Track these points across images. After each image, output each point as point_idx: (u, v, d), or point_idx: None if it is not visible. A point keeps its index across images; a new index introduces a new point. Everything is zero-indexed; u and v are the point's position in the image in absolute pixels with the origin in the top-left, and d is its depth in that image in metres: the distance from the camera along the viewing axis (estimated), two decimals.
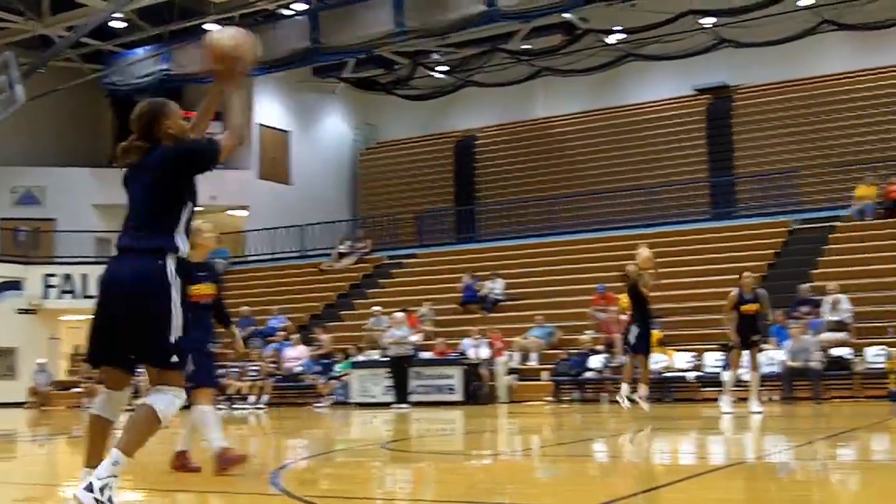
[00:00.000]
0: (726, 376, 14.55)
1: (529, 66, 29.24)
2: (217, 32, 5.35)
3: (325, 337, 23.74)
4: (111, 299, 4.77)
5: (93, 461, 4.74)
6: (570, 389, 20.47)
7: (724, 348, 15.52)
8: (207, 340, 7.49)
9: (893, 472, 7.63)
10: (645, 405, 14.32)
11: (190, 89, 31.59)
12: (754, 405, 14.10)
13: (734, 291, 14.17)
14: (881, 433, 11.05)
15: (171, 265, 4.76)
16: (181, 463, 7.37)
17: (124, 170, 5.04)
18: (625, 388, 14.80)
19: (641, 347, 14.68)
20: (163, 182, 4.88)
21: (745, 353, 14.22)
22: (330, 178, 33.91)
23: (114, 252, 4.89)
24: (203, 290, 7.26)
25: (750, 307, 14.05)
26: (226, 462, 7.04)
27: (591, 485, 7.16)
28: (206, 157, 4.95)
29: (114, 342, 4.77)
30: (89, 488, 4.47)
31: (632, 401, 14.52)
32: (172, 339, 4.69)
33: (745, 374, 14.85)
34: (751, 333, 14.12)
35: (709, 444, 10.85)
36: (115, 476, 4.53)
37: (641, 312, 14.84)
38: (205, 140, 5.12)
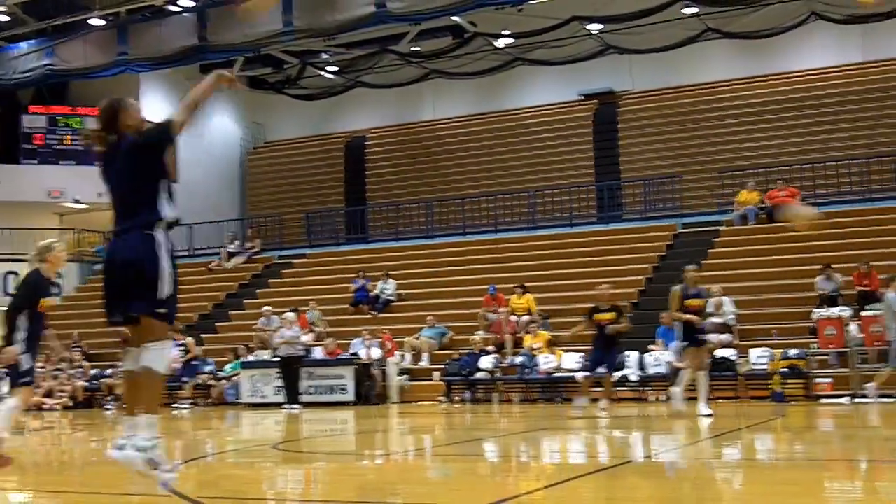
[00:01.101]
0: (682, 375, 14.06)
1: (419, 68, 29.29)
2: None
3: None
4: (113, 269, 5.72)
5: (132, 410, 5.50)
6: (462, 390, 20.56)
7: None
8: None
9: (775, 470, 7.86)
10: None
11: (75, 85, 30.81)
12: (703, 407, 13.41)
13: (677, 288, 13.80)
14: (764, 433, 11.38)
15: (158, 235, 5.71)
16: None
17: (100, 164, 5.92)
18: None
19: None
20: (134, 167, 5.76)
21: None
22: (218, 177, 33.38)
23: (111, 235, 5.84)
24: (50, 303, 8.35)
25: (694, 302, 13.70)
26: None
27: (481, 484, 7.19)
28: (163, 136, 5.84)
29: (118, 300, 5.71)
30: (141, 449, 5.24)
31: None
32: (164, 294, 5.57)
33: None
34: (697, 331, 13.75)
35: (597, 443, 11.02)
36: (156, 436, 5.33)
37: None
38: (158, 124, 5.94)
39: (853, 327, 17.67)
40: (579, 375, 15.81)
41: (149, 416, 5.33)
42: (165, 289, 5.57)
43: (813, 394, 17.40)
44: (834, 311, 17.95)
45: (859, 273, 19.37)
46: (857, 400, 16.39)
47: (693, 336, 13.68)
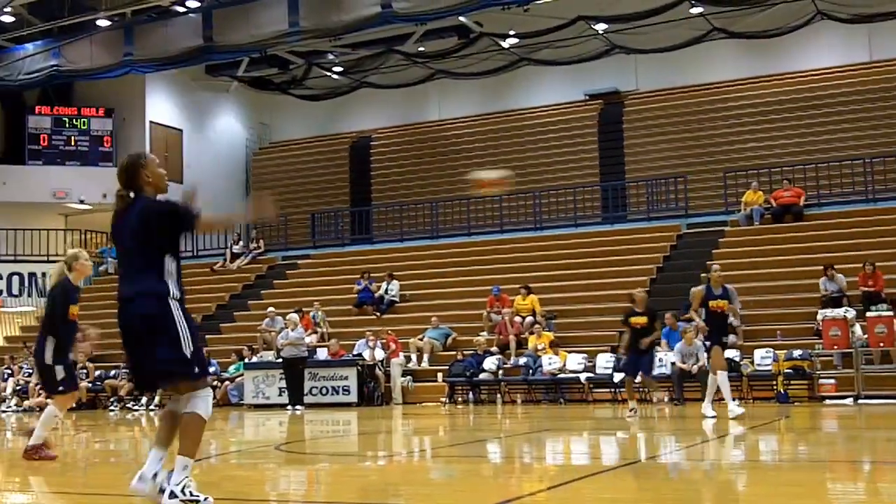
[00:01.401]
0: (712, 379, 13.70)
1: (424, 69, 29.30)
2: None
3: None
4: (131, 339, 5.44)
5: (160, 444, 5.57)
6: (465, 391, 20.56)
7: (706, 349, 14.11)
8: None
9: (779, 471, 7.85)
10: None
11: (80, 85, 30.86)
12: (733, 406, 13.36)
13: (700, 287, 13.67)
14: (768, 434, 11.36)
15: (173, 305, 5.42)
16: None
17: (113, 221, 5.64)
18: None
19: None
20: (142, 235, 5.46)
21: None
22: (223, 177, 33.39)
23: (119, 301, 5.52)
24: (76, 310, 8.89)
25: (720, 303, 13.42)
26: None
27: (484, 485, 7.19)
28: (183, 223, 5.55)
29: (150, 378, 5.75)
30: (172, 495, 5.27)
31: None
32: (188, 355, 5.36)
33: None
34: (721, 332, 13.58)
35: (601, 444, 11.01)
36: (188, 477, 5.33)
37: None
38: (185, 206, 5.57)
39: (858, 328, 17.65)
40: (618, 377, 15.62)
41: (185, 459, 5.36)
42: (187, 350, 5.37)
43: (817, 395, 17.37)
44: (839, 312, 17.91)
45: (864, 274, 19.34)
46: (861, 401, 16.38)
47: (717, 337, 13.49)
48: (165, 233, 5.49)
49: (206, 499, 5.39)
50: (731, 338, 13.86)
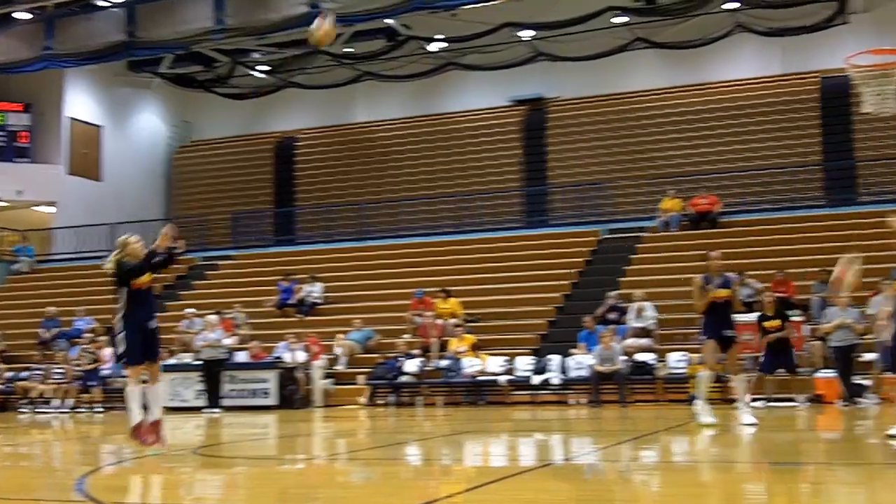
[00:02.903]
0: (703, 375, 12.27)
1: (351, 70, 29.24)
2: None
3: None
4: None
5: None
6: (386, 393, 20.57)
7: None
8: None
9: (692, 472, 8.04)
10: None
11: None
12: (745, 416, 11.82)
13: (699, 277, 12.07)
14: (682, 436, 11.59)
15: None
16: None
17: None
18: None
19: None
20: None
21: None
22: (143, 175, 32.94)
23: None
24: (146, 279, 9.63)
25: (721, 293, 11.86)
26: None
27: (404, 488, 7.24)
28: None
29: None
30: None
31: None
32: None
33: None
34: (723, 326, 11.96)
35: (520, 446, 11.14)
36: None
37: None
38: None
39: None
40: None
41: None
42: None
43: (729, 397, 17.74)
44: (751, 317, 18.32)
45: (776, 280, 19.82)
46: (771, 404, 16.79)
47: (716, 330, 11.90)
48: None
49: None
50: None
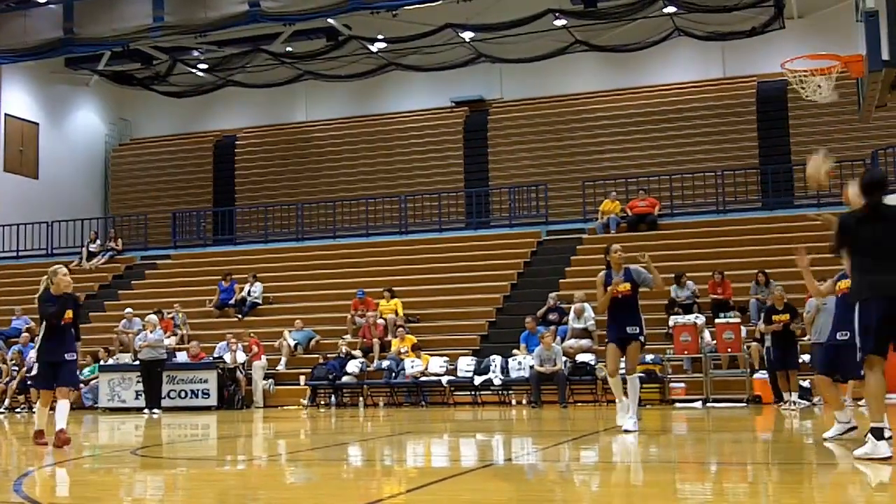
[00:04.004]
0: (611, 382, 11.40)
1: (292, 69, 29.05)
2: None
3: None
4: None
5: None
6: (327, 394, 20.52)
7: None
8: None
9: (631, 472, 8.13)
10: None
11: None
12: (628, 421, 10.97)
13: (602, 273, 11.16)
14: (621, 436, 11.70)
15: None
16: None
17: None
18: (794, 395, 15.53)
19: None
20: None
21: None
22: (80, 173, 32.45)
23: None
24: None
25: (623, 287, 10.94)
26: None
27: (344, 488, 7.23)
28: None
29: None
30: None
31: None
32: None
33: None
34: (626, 323, 10.97)
35: (461, 447, 11.18)
36: None
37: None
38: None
39: (707, 334, 18.36)
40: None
41: None
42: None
43: (668, 398, 18.00)
44: (689, 319, 18.59)
45: (713, 282, 20.12)
46: (709, 404, 17.03)
47: (617, 331, 11.07)
48: None
49: None
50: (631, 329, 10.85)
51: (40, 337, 10.90)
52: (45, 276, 10.91)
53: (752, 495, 6.34)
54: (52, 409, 10.88)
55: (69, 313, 10.77)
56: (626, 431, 10.74)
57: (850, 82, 17.18)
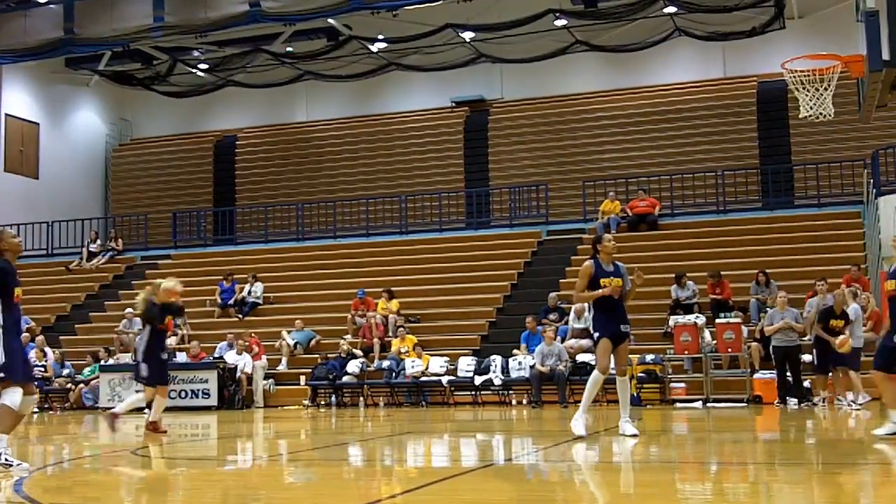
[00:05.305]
0: (594, 377, 10.58)
1: (292, 69, 29.02)
2: None
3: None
4: None
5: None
6: (328, 394, 20.52)
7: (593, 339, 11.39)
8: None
9: (633, 472, 8.14)
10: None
11: None
12: (627, 426, 10.52)
13: (588, 263, 10.46)
14: (621, 436, 11.69)
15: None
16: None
17: None
18: (850, 395, 15.59)
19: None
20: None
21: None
22: (81, 173, 32.44)
23: None
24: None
25: (614, 283, 10.33)
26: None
27: (345, 489, 7.24)
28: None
29: None
30: None
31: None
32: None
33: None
34: (620, 320, 10.44)
35: (461, 447, 11.18)
36: (5, 447, 7.84)
37: None
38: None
39: (707, 334, 18.36)
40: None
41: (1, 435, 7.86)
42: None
43: (668, 398, 18.01)
44: (689, 319, 18.59)
45: (711, 283, 20.12)
46: (709, 404, 17.03)
47: (612, 326, 10.48)
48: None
49: (18, 464, 7.78)
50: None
51: (146, 339, 12.77)
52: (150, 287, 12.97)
53: (752, 495, 6.34)
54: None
55: (169, 320, 13.08)
56: (633, 436, 10.29)
57: (850, 82, 17.15)
